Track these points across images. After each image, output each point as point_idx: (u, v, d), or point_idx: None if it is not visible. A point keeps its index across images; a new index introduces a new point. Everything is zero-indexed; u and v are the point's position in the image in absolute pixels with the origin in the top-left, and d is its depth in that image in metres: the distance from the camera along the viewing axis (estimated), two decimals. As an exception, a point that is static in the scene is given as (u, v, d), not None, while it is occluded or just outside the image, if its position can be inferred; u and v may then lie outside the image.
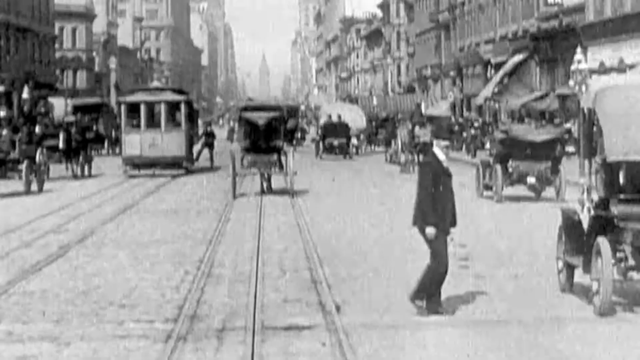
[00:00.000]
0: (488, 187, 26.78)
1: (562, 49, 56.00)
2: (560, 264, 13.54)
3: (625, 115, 12.56)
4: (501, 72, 63.67)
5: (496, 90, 61.79)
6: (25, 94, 61.52)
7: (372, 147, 60.75)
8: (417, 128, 50.28)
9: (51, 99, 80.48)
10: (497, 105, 66.23)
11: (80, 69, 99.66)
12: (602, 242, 11.97)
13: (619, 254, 12.12)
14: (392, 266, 15.69)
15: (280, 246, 18.16)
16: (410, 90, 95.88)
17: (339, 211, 24.38)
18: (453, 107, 73.66)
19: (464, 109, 75.66)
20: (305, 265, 15.90)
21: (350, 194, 29.52)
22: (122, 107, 40.02)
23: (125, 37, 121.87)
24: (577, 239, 12.99)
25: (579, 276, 13.02)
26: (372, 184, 33.18)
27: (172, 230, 20.73)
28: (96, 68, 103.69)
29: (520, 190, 26.39)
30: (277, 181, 29.65)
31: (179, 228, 21.15)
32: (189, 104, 40.61)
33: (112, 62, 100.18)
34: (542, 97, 53.90)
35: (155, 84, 45.69)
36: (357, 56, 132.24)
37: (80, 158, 37.79)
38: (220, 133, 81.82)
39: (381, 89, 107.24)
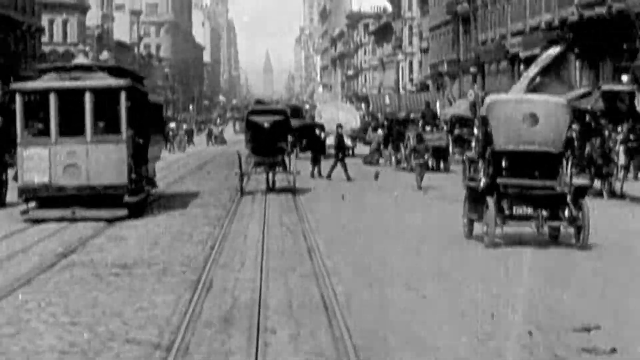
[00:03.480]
0: (472, 179, 29.68)
1: (610, 40, 47.26)
2: (465, 219, 19.47)
3: (507, 120, 18.33)
4: (535, 67, 54.83)
5: (530, 87, 53.24)
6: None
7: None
8: (427, 129, 42.87)
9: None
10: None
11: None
12: (490, 200, 18.03)
13: (505, 211, 18.14)
14: None
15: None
16: (423, 88, 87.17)
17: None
18: (473, 106, 64.94)
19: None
20: None
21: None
22: (17, 100, 23.03)
23: (122, 31, 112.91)
24: (476, 201, 18.73)
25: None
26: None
27: (108, 316, 11.77)
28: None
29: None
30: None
31: (123, 311, 12.17)
32: (134, 92, 23.90)
33: (105, 57, 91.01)
34: (584, 95, 46.27)
35: (80, 60, 31.39)
36: (365, 53, 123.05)
37: None
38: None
39: (391, 87, 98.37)
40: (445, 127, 51.57)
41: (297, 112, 67.07)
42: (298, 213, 23.87)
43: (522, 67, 60.52)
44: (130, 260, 16.32)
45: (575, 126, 38.96)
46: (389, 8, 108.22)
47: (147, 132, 25.08)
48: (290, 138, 48.30)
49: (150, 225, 21.20)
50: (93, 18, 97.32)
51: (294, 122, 52.18)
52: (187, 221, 21.98)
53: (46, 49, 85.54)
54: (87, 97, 22.79)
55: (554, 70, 53.26)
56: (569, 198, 17.86)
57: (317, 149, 37.78)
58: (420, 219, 22.59)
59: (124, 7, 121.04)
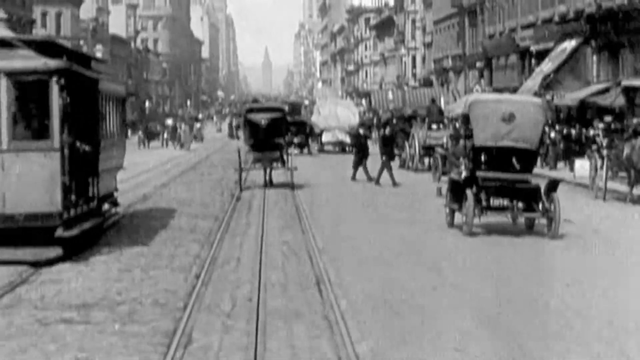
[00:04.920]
0: (445, 173, 29.72)
1: (630, 32, 43.69)
2: (447, 210, 20.11)
3: (485, 118, 19.03)
4: (549, 62, 51.24)
5: (544, 83, 49.58)
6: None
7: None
8: (434, 127, 39.67)
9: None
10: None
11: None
12: (469, 192, 18.72)
13: (482, 202, 18.91)
14: None
15: None
16: (426, 83, 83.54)
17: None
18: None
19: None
20: None
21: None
22: None
23: (118, 25, 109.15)
24: (457, 193, 19.34)
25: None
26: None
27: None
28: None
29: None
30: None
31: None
32: (75, 78, 16.53)
33: (99, 51, 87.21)
34: (603, 92, 42.80)
35: (-2, 31, 23.32)
36: (366, 48, 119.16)
37: None
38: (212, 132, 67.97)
39: (392, 83, 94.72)
40: (455, 124, 48.03)
41: (295, 108, 64.80)
42: (301, 225, 20.27)
43: (533, 61, 56.97)
44: (91, 297, 12.66)
45: (601, 125, 35.59)
46: (391, 2, 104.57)
47: (96, 134, 17.94)
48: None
49: (126, 244, 17.47)
50: (88, 11, 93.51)
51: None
52: (170, 238, 18.28)
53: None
54: (2, 86, 15.71)
55: (569, 65, 49.59)
56: (542, 191, 18.94)
57: (362, 149, 32.17)
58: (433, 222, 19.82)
59: (120, 0, 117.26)
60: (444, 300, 12.37)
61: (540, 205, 18.79)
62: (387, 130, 33.62)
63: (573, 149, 36.45)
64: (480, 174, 19.10)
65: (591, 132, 34.86)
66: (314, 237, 18.17)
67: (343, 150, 50.84)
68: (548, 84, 49.18)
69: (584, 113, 44.79)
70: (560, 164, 36.60)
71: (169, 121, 77.65)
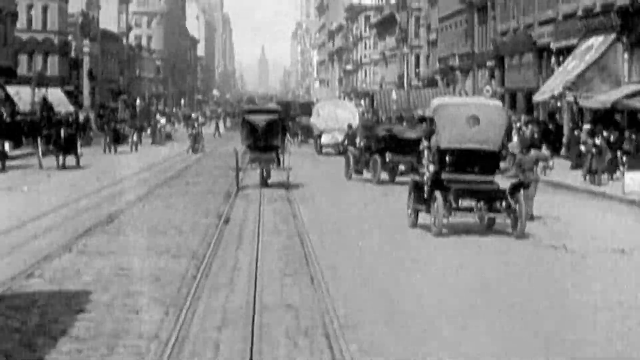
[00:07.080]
0: (359, 172, 32.36)
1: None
2: (410, 210, 20.29)
3: (451, 121, 19.33)
4: (573, 60, 45.73)
5: (570, 82, 44.12)
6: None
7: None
8: None
9: (13, 88, 63.57)
10: (558, 103, 48.52)
11: (52, 54, 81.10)
12: (437, 194, 18.91)
13: (451, 204, 19.01)
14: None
15: None
16: (431, 83, 78.01)
17: None
18: (491, 103, 55.29)
19: (508, 107, 57.15)
20: None
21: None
22: None
23: (110, 21, 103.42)
24: (421, 194, 19.63)
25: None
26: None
27: None
28: (72, 54, 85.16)
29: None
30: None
31: None
32: None
33: (86, 46, 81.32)
34: (637, 94, 38.10)
35: None
36: (366, 46, 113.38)
37: None
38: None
39: (394, 83, 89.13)
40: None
41: (307, 108, 61.16)
42: (309, 267, 14.61)
43: (552, 59, 51.38)
44: None
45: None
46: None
47: None
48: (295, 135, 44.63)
49: (49, 318, 11.66)
50: (76, 5, 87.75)
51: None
52: (122, 296, 12.50)
53: (24, 36, 76.63)
54: None
55: (596, 64, 44.03)
56: (507, 192, 19.21)
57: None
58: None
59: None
60: None
61: (505, 205, 19.07)
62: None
63: (619, 159, 30.78)
64: (445, 176, 19.40)
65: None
66: (329, 291, 12.54)
67: (344, 152, 46.83)
68: (572, 85, 43.79)
69: (611, 117, 39.68)
70: (603, 177, 30.81)
71: (162, 120, 71.86)
